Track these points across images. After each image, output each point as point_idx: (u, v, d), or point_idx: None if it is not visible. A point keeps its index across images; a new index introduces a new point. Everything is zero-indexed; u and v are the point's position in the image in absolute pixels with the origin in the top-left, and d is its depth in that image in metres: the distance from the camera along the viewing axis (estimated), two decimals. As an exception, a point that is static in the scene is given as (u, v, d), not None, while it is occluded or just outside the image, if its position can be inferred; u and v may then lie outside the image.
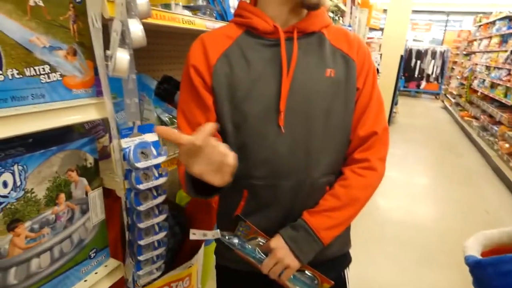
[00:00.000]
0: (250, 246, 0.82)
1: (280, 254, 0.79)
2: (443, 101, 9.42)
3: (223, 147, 0.58)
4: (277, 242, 0.80)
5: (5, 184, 0.62)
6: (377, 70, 3.89)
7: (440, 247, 2.54)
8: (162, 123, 1.06)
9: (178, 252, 1.38)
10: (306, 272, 0.85)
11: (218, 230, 0.83)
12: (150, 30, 1.35)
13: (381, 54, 4.23)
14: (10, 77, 0.59)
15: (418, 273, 2.29)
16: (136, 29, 0.67)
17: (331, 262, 0.90)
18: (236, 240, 0.82)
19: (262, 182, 0.80)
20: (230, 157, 0.58)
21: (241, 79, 0.77)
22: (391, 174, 4.05)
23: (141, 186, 0.81)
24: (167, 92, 1.23)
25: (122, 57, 0.67)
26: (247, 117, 0.77)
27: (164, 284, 1.22)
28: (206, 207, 1.41)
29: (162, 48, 1.44)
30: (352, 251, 0.99)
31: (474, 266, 0.67)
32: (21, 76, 0.61)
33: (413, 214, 3.13)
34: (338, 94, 0.80)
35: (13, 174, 0.63)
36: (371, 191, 0.85)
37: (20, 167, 0.64)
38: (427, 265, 2.36)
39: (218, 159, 0.57)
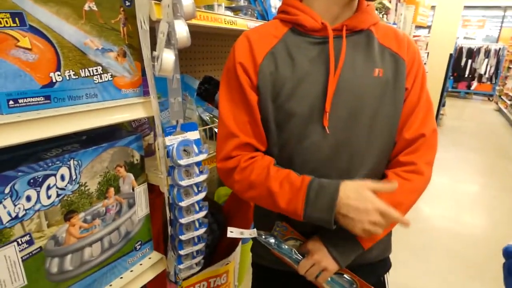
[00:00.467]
0: (286, 246, 0.80)
1: (317, 256, 0.76)
2: (497, 103, 8.65)
3: None
4: (315, 244, 0.78)
5: (62, 178, 0.66)
6: (423, 69, 3.66)
7: (491, 259, 2.32)
8: (203, 122, 1.08)
9: (216, 249, 1.40)
10: (345, 275, 0.81)
11: (255, 229, 0.82)
12: (192, 32, 1.38)
13: (428, 53, 3.97)
14: (68, 78, 0.63)
15: (463, 284, 2.11)
16: (181, 30, 0.68)
17: (371, 266, 0.86)
18: (272, 240, 0.80)
19: None
20: None
21: (286, 78, 0.74)
22: (437, 179, 3.79)
23: (183, 183, 0.83)
24: (208, 92, 1.25)
25: (168, 57, 0.68)
26: (291, 117, 0.75)
27: (203, 279, 1.24)
28: (244, 205, 1.41)
29: (203, 49, 1.47)
30: (391, 258, 0.94)
31: (506, 255, 0.66)
32: (77, 77, 0.65)
33: (460, 223, 2.89)
34: (386, 95, 0.75)
35: (69, 168, 0.67)
36: (416, 196, 0.79)
37: (76, 162, 0.68)
38: (474, 276, 2.17)
39: None
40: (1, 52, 0.54)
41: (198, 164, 0.87)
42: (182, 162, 0.81)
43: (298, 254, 0.80)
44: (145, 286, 1.06)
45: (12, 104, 0.56)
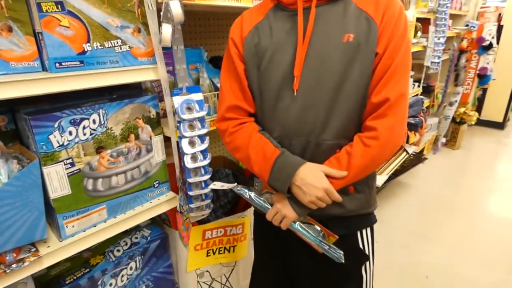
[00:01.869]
0: (256, 198, 0.94)
1: (279, 205, 0.89)
2: None
3: None
4: (279, 196, 0.91)
5: (94, 121, 0.92)
6: (491, 44, 3.30)
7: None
8: (216, 88, 1.27)
9: (236, 206, 1.61)
10: (315, 226, 0.93)
11: (235, 184, 0.98)
12: (214, 13, 1.57)
13: (500, 26, 3.54)
14: (95, 48, 0.88)
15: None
16: (176, 7, 0.87)
17: (343, 219, 0.94)
18: (246, 192, 0.95)
19: (277, 139, 0.91)
20: None
21: (266, 48, 0.87)
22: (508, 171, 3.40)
23: (187, 134, 1.04)
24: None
25: (166, 29, 0.88)
26: (268, 83, 0.88)
27: (220, 226, 1.45)
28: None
29: (225, 28, 1.67)
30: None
31: None
32: (102, 47, 0.89)
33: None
34: (355, 59, 0.80)
35: (99, 115, 0.93)
36: (375, 160, 0.84)
37: (104, 111, 0.93)
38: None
39: None
40: (50, 29, 0.80)
41: (201, 120, 1.07)
42: (185, 117, 1.02)
43: (268, 204, 0.93)
44: (167, 215, 1.32)
45: (58, 66, 0.83)
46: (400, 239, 2.33)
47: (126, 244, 1.22)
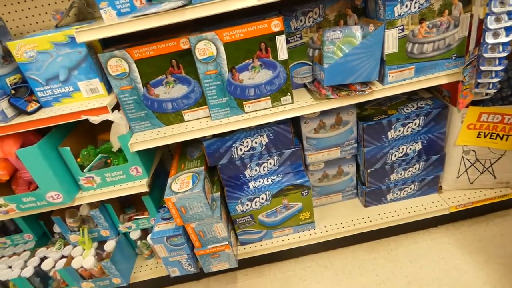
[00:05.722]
0: None
1: None
2: None
3: None
4: None
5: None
6: None
7: None
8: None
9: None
10: None
11: None
12: None
13: None
14: None
15: None
16: None
17: None
18: None
19: None
20: None
21: None
22: None
23: (496, 10, 1.28)
24: None
25: None
26: None
27: (499, 113, 1.66)
28: None
29: None
30: None
31: None
32: None
33: None
34: None
35: (426, -7, 1.33)
36: None
37: (430, -10, 1.33)
38: None
39: None
40: None
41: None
42: (499, -7, 1.25)
43: None
44: (448, 92, 1.67)
45: None
46: None
47: (413, 107, 1.70)
